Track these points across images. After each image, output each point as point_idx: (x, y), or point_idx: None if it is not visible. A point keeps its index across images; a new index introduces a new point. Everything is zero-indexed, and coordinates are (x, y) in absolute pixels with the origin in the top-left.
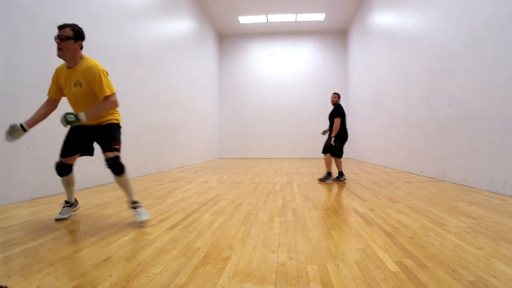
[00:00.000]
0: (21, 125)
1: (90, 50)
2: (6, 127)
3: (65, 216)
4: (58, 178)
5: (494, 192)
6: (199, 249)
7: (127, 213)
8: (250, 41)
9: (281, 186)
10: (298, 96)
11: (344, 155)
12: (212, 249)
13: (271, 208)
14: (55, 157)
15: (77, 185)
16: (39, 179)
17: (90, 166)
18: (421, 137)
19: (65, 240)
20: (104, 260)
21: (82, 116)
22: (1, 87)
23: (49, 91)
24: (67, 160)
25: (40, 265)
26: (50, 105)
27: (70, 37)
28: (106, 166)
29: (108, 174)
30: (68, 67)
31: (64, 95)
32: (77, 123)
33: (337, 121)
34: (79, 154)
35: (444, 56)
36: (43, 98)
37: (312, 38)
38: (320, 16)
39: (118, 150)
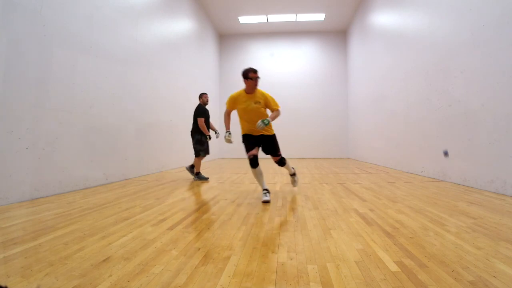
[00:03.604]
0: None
1: (90, 50)
2: (7, 127)
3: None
4: (58, 178)
5: (494, 192)
6: (199, 249)
7: (127, 213)
8: (250, 41)
9: (281, 186)
10: (298, 96)
11: (344, 155)
12: (212, 249)
13: (271, 208)
14: (55, 157)
15: (77, 185)
16: (39, 179)
17: (90, 166)
18: (421, 137)
19: (65, 240)
20: (104, 260)
21: (270, 120)
22: (0, 87)
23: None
24: (252, 152)
25: (40, 265)
26: (230, 114)
27: None
28: (277, 162)
29: (108, 174)
30: (249, 93)
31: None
32: (267, 125)
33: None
34: (257, 148)
35: (444, 56)
36: (42, 98)
37: (312, 38)
38: (320, 16)
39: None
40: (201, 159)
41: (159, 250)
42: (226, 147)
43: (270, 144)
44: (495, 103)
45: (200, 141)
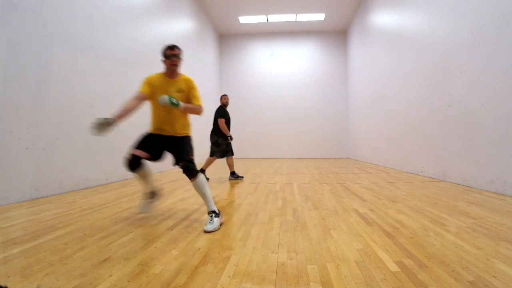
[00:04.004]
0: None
1: (90, 50)
2: (7, 127)
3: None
4: (58, 178)
5: (494, 192)
6: (199, 249)
7: (127, 213)
8: (250, 41)
9: (281, 186)
10: (298, 96)
11: (344, 155)
12: (212, 249)
13: (271, 208)
14: (55, 157)
15: (77, 185)
16: (39, 179)
17: (90, 166)
18: (421, 137)
19: (65, 240)
20: (104, 260)
21: (182, 105)
22: (0, 87)
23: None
24: (136, 152)
25: (40, 265)
26: (140, 101)
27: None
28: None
29: (108, 174)
30: (169, 77)
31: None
32: (175, 107)
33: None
34: (149, 155)
35: (444, 56)
36: (42, 98)
37: (312, 38)
38: (320, 16)
39: (193, 160)
40: (213, 160)
41: (159, 250)
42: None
43: (179, 145)
44: (495, 103)
45: (216, 143)
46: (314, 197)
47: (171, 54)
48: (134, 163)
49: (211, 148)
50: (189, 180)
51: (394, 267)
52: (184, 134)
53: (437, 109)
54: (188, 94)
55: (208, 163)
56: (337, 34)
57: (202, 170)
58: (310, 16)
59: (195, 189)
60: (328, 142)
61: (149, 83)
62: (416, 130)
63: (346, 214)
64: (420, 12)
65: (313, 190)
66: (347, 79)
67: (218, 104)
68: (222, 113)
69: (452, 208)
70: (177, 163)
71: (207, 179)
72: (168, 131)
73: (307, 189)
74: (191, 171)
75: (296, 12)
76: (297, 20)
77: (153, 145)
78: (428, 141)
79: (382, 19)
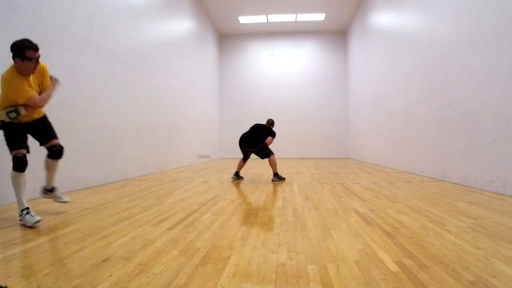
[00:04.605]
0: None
1: (89, 50)
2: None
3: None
4: (58, 178)
5: (494, 192)
6: (199, 249)
7: (127, 213)
8: (250, 41)
9: (281, 186)
10: (298, 96)
11: (344, 155)
12: (212, 249)
13: (271, 208)
14: None
15: (77, 185)
16: (39, 179)
17: (90, 166)
18: (421, 137)
19: (65, 240)
20: (104, 260)
21: (21, 109)
22: None
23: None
24: (24, 151)
25: (40, 265)
26: None
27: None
28: (52, 151)
29: (108, 174)
30: (29, 75)
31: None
32: (18, 116)
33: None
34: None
35: (444, 56)
36: None
37: (312, 38)
38: (320, 16)
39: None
40: (274, 157)
41: (159, 250)
42: (226, 147)
43: (42, 127)
44: (495, 103)
45: (266, 146)
46: (314, 197)
47: (38, 57)
48: (26, 162)
49: (265, 151)
50: (188, 181)
51: (394, 267)
52: (43, 114)
53: (437, 109)
54: (44, 80)
55: (276, 163)
56: (337, 34)
57: (276, 174)
58: (310, 16)
59: (53, 167)
60: (328, 142)
61: (16, 88)
62: (416, 130)
63: (346, 214)
64: (420, 12)
65: (313, 190)
66: (347, 79)
67: (219, 104)
68: (275, 134)
69: (452, 208)
70: (46, 143)
71: (283, 178)
72: (31, 116)
73: (307, 189)
74: (62, 153)
75: (296, 12)
76: (297, 20)
77: (25, 138)
78: (428, 141)
79: (382, 19)
